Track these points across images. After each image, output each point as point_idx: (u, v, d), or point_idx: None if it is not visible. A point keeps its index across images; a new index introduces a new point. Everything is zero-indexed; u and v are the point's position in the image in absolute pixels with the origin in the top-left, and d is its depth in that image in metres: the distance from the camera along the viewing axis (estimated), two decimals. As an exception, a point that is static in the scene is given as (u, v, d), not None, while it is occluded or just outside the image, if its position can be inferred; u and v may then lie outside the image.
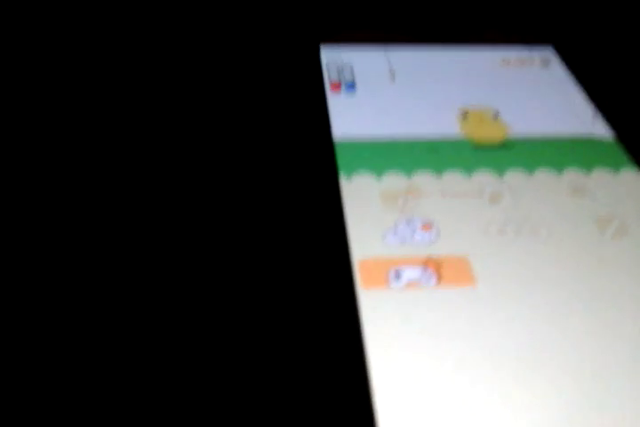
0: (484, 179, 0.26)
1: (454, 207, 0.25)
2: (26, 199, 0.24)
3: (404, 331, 0.21)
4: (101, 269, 0.23)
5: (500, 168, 0.27)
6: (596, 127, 0.29)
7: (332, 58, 0.34)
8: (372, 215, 0.25)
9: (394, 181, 0.26)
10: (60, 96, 0.29)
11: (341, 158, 0.27)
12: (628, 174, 0.27)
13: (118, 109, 0.30)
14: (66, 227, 0.24)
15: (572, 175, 0.27)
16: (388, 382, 0.19)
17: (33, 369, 0.20)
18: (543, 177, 0.27)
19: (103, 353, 0.20)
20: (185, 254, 0.24)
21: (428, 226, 0.24)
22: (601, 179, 0.27)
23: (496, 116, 0.30)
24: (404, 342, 0.20)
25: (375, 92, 0.31)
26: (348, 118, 0.29)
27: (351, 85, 0.32)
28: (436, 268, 0.23)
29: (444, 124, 0.29)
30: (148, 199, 0.26)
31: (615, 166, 0.27)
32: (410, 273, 0.22)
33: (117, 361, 0.20)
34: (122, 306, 0.22)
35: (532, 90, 0.32)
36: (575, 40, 0.36)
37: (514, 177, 0.27)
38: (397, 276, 0.22)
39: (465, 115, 0.30)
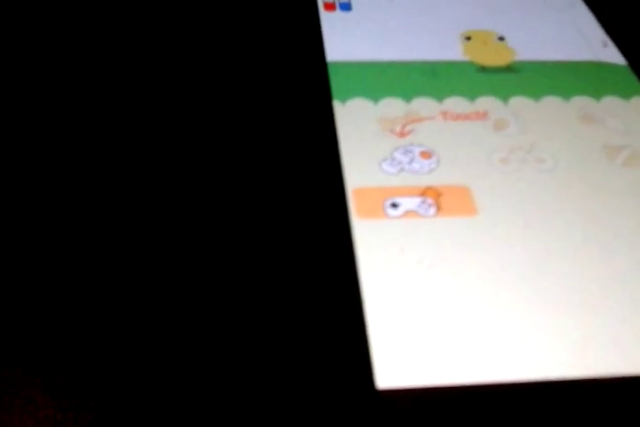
0: (488, 104, 0.25)
1: (456, 134, 0.23)
2: (26, 199, 0.23)
3: (401, 261, 0.19)
4: (108, 268, 0.21)
5: (504, 93, 0.25)
6: (607, 53, 0.27)
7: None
8: (368, 142, 0.23)
9: (392, 106, 0.24)
10: (68, 96, 0.27)
11: (335, 82, 0.25)
12: (639, 102, 0.25)
13: (113, 109, 0.27)
14: (67, 227, 0.22)
15: (580, 102, 0.25)
16: (383, 311, 0.18)
17: (33, 368, 0.19)
18: (550, 103, 0.25)
19: (111, 352, 0.19)
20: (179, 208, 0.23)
21: (427, 153, 0.23)
22: (611, 106, 0.25)
23: (501, 39, 0.28)
24: (400, 273, 0.19)
25: (372, 13, 0.29)
26: (343, 39, 0.27)
27: (346, 5, 0.29)
28: (435, 197, 0.21)
29: (445, 47, 0.27)
30: (148, 179, 0.24)
31: (626, 93, 0.25)
32: (407, 203, 0.21)
33: (122, 360, 0.19)
34: (124, 306, 0.20)
35: (538, 14, 0.30)
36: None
37: (520, 103, 0.25)
38: (394, 205, 0.21)
39: (468, 37, 0.28)
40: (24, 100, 0.26)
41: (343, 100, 0.24)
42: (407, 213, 0.21)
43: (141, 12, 0.30)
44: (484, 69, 0.26)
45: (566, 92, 0.25)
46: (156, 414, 0.18)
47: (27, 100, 0.26)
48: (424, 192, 0.21)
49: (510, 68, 0.26)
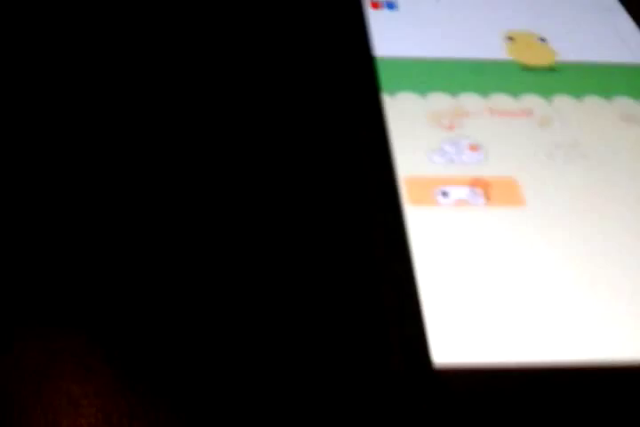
0: (532, 102, 0.25)
1: (502, 129, 0.24)
2: (26, 199, 0.23)
3: (453, 248, 0.20)
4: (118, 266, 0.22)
5: (548, 92, 0.26)
6: (646, 56, 0.28)
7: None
8: (417, 134, 0.24)
9: (439, 100, 0.25)
10: (72, 96, 0.28)
11: (384, 76, 0.26)
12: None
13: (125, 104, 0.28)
14: (68, 227, 0.23)
15: (621, 102, 0.26)
16: (438, 292, 0.19)
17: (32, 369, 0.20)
18: (592, 103, 0.26)
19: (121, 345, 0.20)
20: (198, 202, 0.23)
21: (475, 146, 0.23)
22: (651, 107, 0.26)
23: (543, 40, 0.29)
24: (453, 256, 0.20)
25: (418, 12, 0.30)
26: (390, 36, 0.28)
27: (392, 4, 0.30)
28: (484, 188, 0.22)
29: (489, 46, 0.28)
30: (157, 175, 0.25)
31: (666, 95, 0.26)
32: (457, 192, 0.22)
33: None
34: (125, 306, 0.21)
35: (579, 17, 0.30)
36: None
37: (563, 101, 0.26)
38: (445, 194, 0.21)
39: (510, 37, 0.28)
40: (24, 100, 0.27)
41: (392, 93, 0.25)
42: (458, 202, 0.21)
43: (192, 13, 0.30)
44: (526, 69, 0.27)
45: (607, 92, 0.26)
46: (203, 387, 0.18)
47: (26, 101, 0.27)
48: (473, 182, 0.22)
49: (552, 68, 0.27)
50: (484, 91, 0.26)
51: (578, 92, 0.26)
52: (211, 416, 0.18)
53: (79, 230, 0.22)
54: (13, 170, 0.24)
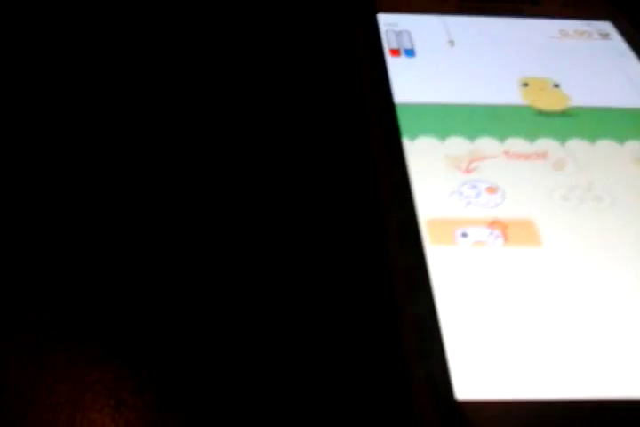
0: (546, 145, 0.26)
1: (518, 172, 0.25)
2: (26, 198, 0.25)
3: (473, 286, 0.21)
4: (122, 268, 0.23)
5: (562, 136, 0.27)
6: (656, 101, 0.29)
7: (390, 25, 0.34)
8: (436, 177, 0.25)
9: (457, 144, 0.26)
10: (71, 96, 0.29)
11: (403, 121, 0.27)
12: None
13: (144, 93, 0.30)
14: (68, 227, 0.24)
15: (634, 145, 0.27)
16: (460, 329, 0.20)
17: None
18: (605, 146, 0.27)
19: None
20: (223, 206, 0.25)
21: (492, 189, 0.24)
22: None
23: (556, 86, 0.30)
24: (474, 294, 0.21)
25: (434, 59, 0.31)
26: (408, 83, 0.29)
27: (410, 52, 0.32)
28: (502, 229, 0.23)
29: (504, 92, 0.29)
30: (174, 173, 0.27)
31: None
32: (476, 233, 0.23)
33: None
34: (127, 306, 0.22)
35: (590, 62, 0.32)
36: (635, 13, 0.35)
37: (576, 145, 0.27)
38: (464, 235, 0.22)
39: (525, 83, 0.30)
40: (24, 100, 0.28)
41: (412, 138, 0.26)
42: (476, 243, 0.22)
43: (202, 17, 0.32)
44: (541, 114, 0.28)
45: (620, 136, 0.27)
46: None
47: (26, 100, 0.28)
48: (491, 224, 0.23)
49: (566, 113, 0.28)
50: (500, 135, 0.27)
51: (591, 135, 0.27)
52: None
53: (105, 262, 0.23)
54: (13, 170, 0.25)
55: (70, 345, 0.21)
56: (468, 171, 0.25)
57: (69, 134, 0.27)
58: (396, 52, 0.32)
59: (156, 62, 0.32)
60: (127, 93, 0.29)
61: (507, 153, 0.26)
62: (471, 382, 0.18)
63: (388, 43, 0.32)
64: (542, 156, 0.26)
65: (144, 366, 0.20)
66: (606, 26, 0.34)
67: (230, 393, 0.20)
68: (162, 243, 0.24)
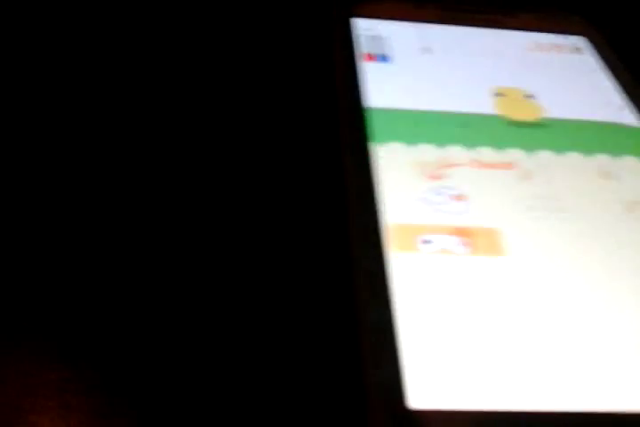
0: (515, 155, 0.26)
1: (485, 180, 0.25)
2: (26, 198, 0.24)
3: (435, 292, 0.21)
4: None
5: (531, 146, 0.27)
6: (626, 116, 0.30)
7: (366, 30, 0.33)
8: (403, 183, 0.25)
9: (426, 151, 0.26)
10: (67, 96, 0.29)
11: (374, 126, 0.27)
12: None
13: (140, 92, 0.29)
14: (67, 227, 0.23)
15: (600, 159, 0.27)
16: (417, 341, 0.19)
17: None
18: (573, 159, 0.27)
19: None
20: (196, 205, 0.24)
21: (459, 197, 0.24)
22: (629, 165, 0.27)
23: (529, 97, 0.30)
24: (434, 303, 0.20)
25: (407, 66, 0.31)
26: (380, 89, 0.29)
27: (385, 57, 0.32)
28: (467, 237, 0.23)
29: (477, 101, 0.29)
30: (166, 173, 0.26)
31: (644, 154, 0.27)
32: (441, 240, 0.22)
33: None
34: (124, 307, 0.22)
35: (564, 76, 0.32)
36: (607, 28, 0.36)
37: (544, 156, 0.27)
38: (428, 242, 0.22)
39: (499, 93, 0.30)
40: (23, 100, 0.28)
41: (381, 142, 0.26)
42: (440, 251, 0.22)
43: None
44: (512, 124, 0.28)
45: (587, 149, 0.27)
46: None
47: (26, 100, 0.28)
48: (456, 232, 0.23)
49: (537, 124, 0.28)
50: (469, 143, 0.27)
51: (560, 147, 0.27)
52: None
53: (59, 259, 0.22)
54: (12, 170, 0.25)
55: (15, 346, 0.20)
56: (435, 178, 0.25)
57: (68, 134, 0.27)
58: (371, 57, 0.31)
59: (126, 61, 0.31)
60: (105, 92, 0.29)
61: (475, 161, 0.26)
62: (425, 391, 0.18)
63: (363, 47, 0.32)
64: (510, 165, 0.26)
65: (92, 369, 0.20)
66: (581, 41, 0.35)
67: (180, 398, 0.19)
68: (112, 240, 0.23)
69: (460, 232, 0.23)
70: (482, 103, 0.29)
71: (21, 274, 0.22)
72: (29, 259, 0.22)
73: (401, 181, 0.25)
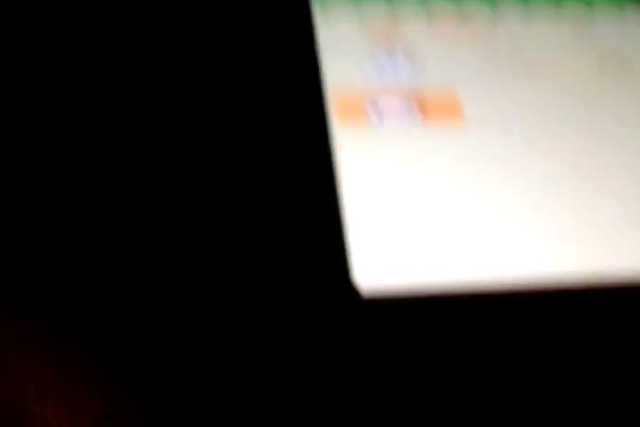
0: (474, 12, 0.23)
1: (442, 37, 0.22)
2: (26, 198, 0.21)
3: (383, 165, 0.19)
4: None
5: (492, 1, 0.24)
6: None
7: None
8: (348, 43, 0.22)
9: (374, 8, 0.23)
10: (65, 96, 0.25)
11: (314, -17, 0.23)
12: (632, 13, 0.24)
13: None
14: (65, 227, 0.20)
15: (573, 9, 0.24)
16: (365, 217, 0.17)
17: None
18: (541, 10, 0.24)
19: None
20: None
21: (411, 55, 0.21)
22: (603, 15, 0.24)
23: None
24: (383, 178, 0.18)
25: None
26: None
27: None
28: (419, 100, 0.20)
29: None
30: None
31: (619, 2, 0.24)
32: (390, 103, 0.20)
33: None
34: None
35: None
36: None
37: (509, 9, 0.24)
38: (375, 105, 0.20)
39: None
40: (24, 100, 0.24)
41: (323, 4, 0.23)
42: (390, 115, 0.20)
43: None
44: (471, -25, 0.25)
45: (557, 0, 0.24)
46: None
47: (26, 100, 0.24)
48: (407, 93, 0.20)
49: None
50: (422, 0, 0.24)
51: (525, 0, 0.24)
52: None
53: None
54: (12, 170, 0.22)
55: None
56: (384, 35, 0.22)
57: (67, 134, 0.23)
58: None
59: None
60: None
61: (429, 19, 0.23)
62: (370, 265, 0.16)
63: None
64: (469, 23, 0.23)
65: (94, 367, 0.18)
66: None
67: (180, 392, 0.17)
68: (112, 239, 0.20)
69: (412, 94, 0.20)
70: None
71: (21, 270, 0.19)
72: (29, 257, 0.19)
73: (346, 41, 0.22)
